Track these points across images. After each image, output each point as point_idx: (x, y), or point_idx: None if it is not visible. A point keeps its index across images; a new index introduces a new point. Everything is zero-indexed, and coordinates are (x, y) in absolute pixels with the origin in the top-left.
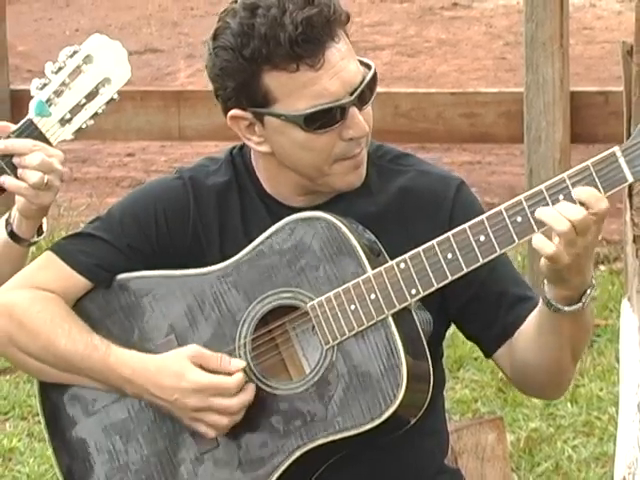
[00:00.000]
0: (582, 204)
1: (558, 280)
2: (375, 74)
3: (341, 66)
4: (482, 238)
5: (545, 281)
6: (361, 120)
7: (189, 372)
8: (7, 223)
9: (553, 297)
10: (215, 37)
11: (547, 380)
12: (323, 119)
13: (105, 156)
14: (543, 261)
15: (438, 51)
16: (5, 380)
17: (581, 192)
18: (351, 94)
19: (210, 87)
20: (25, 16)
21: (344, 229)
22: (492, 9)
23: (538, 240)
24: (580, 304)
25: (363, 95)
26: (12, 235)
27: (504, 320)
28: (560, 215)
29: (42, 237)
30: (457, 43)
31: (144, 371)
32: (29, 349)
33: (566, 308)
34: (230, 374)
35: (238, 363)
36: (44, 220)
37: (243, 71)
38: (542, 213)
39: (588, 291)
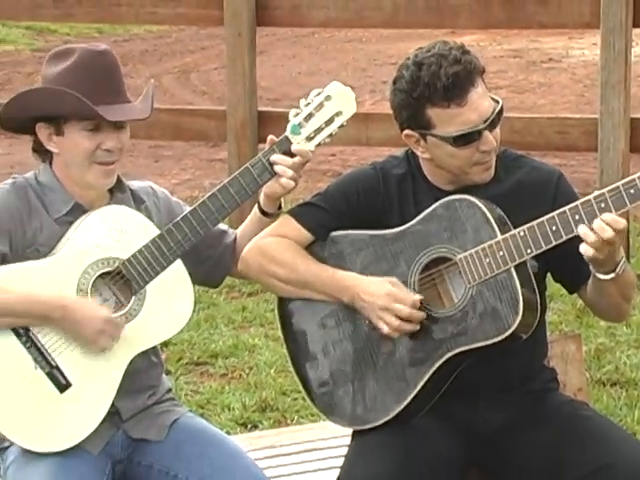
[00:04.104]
0: (609, 225)
1: (597, 264)
2: (502, 107)
3: (479, 103)
4: (577, 217)
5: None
6: (492, 139)
7: (388, 286)
8: (258, 205)
9: (596, 272)
10: (395, 82)
11: (609, 311)
12: (466, 139)
13: (316, 156)
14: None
15: (538, 90)
16: (251, 300)
17: (607, 217)
18: (485, 122)
19: (385, 111)
20: (266, 63)
21: (482, 206)
22: (575, 62)
23: (582, 248)
24: (614, 274)
25: (493, 122)
26: (262, 212)
27: (586, 268)
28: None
29: (281, 211)
30: (551, 85)
31: (359, 282)
32: (277, 274)
33: (607, 277)
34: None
35: (417, 296)
36: (282, 199)
37: (412, 107)
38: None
39: (620, 264)
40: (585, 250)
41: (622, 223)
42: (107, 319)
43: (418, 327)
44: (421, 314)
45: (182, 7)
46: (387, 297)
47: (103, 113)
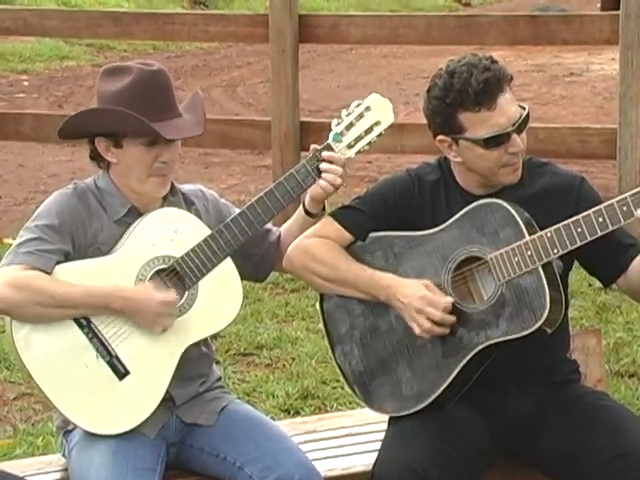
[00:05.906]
0: None
1: None
2: (528, 113)
3: (507, 108)
4: (600, 219)
5: None
6: (519, 141)
7: (422, 289)
8: (303, 206)
9: None
10: (429, 91)
11: None
12: (495, 141)
13: (354, 163)
14: None
15: (560, 102)
16: (294, 296)
17: None
18: (513, 125)
19: (418, 122)
20: (307, 77)
21: (511, 209)
22: (595, 76)
23: None
24: None
25: (520, 126)
26: (307, 213)
27: (621, 260)
28: None
29: (324, 212)
30: (573, 97)
31: (396, 283)
32: (318, 272)
33: None
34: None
35: (449, 299)
36: (325, 201)
37: (445, 112)
38: None
39: None
40: None
41: None
42: (162, 301)
43: (448, 330)
44: (452, 318)
45: (231, 26)
46: (421, 300)
47: (160, 130)
